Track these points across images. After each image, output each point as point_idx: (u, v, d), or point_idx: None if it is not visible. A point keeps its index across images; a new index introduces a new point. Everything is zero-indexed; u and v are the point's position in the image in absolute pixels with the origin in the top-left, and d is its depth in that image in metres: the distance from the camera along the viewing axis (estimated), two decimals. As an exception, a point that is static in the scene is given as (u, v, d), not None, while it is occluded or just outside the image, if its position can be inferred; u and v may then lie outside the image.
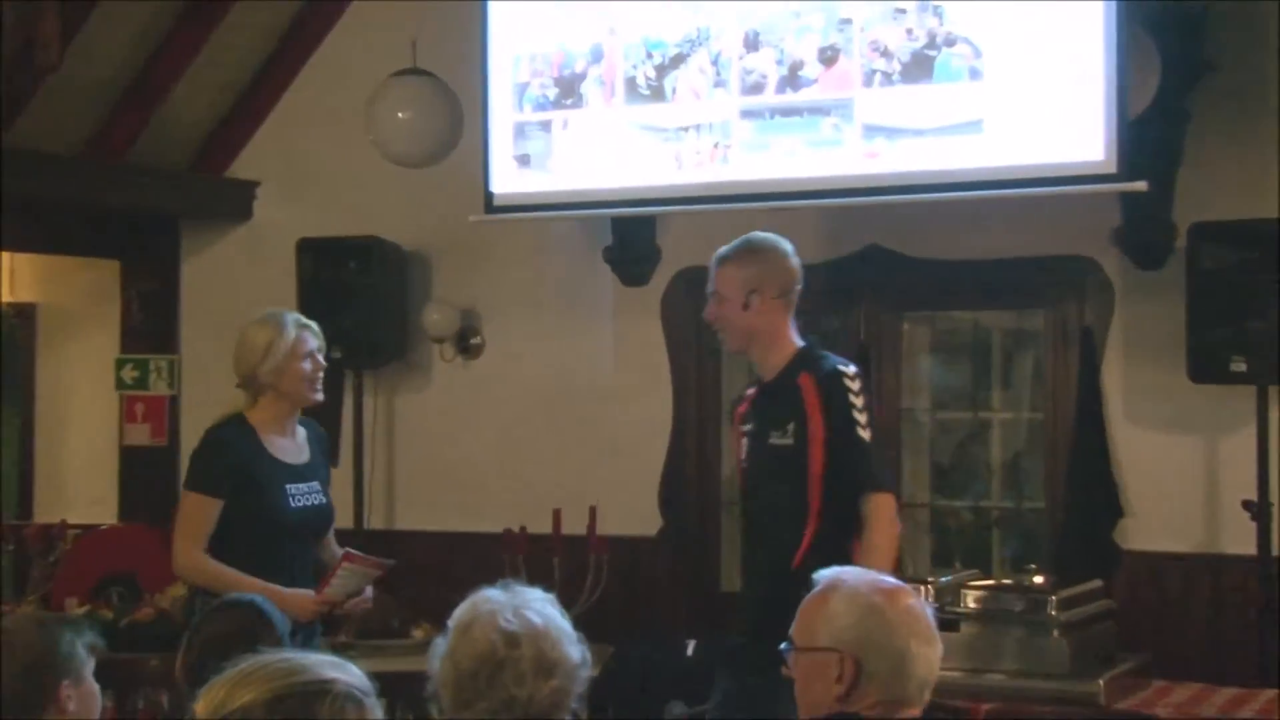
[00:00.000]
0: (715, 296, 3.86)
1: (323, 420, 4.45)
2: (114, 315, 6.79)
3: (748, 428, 3.87)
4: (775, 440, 3.74)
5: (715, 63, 5.18)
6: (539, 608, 2.40)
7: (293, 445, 4.15)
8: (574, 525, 5.55)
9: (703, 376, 5.89)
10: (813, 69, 5.04)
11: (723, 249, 3.89)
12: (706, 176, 5.23)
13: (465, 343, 6.19)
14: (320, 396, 4.17)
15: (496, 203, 5.54)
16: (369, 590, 4.06)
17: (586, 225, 5.91)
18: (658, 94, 5.30)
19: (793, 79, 5.07)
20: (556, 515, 5.58)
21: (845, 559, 3.39)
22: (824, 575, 2.48)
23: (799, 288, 3.88)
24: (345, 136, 6.17)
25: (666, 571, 5.85)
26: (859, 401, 3.69)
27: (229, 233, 6.64)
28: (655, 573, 5.84)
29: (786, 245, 3.90)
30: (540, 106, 5.49)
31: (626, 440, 5.90)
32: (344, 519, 5.72)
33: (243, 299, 6.21)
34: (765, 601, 3.65)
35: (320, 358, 4.17)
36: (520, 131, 5.54)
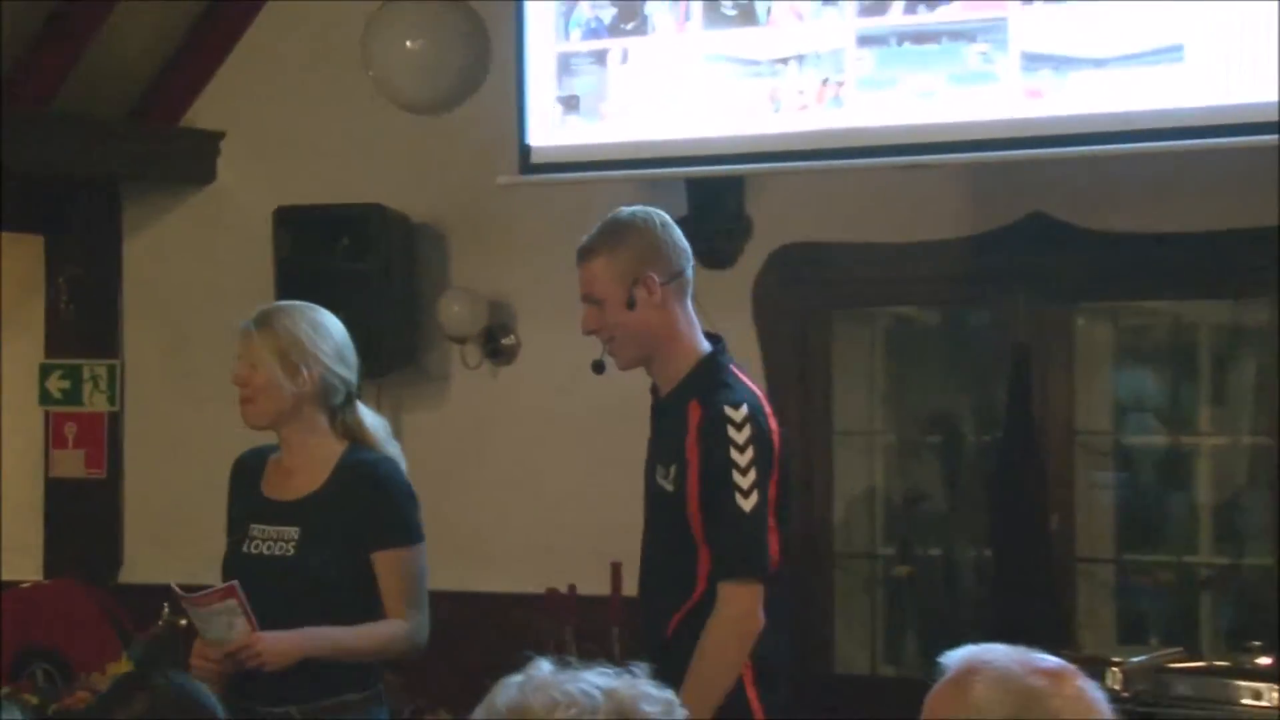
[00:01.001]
0: (589, 303, 3.94)
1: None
2: (36, 308, 6.82)
3: (650, 439, 3.99)
4: (660, 481, 3.84)
5: (824, -29, 5.24)
6: (605, 684, 2.23)
7: (292, 476, 4.09)
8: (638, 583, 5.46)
9: (809, 385, 5.91)
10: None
11: (583, 240, 3.95)
12: (812, 124, 5.27)
13: (494, 344, 6.24)
14: (247, 419, 4.08)
15: (534, 159, 5.61)
16: (239, 626, 3.96)
17: (653, 189, 5.81)
18: (747, 14, 5.34)
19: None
20: (615, 570, 5.59)
21: None
22: (955, 657, 2.42)
23: (691, 267, 3.97)
24: (335, 74, 6.24)
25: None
26: (742, 457, 3.72)
27: (184, 200, 6.66)
28: None
29: (662, 215, 3.97)
30: (592, 33, 5.51)
31: None
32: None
33: (202, 286, 6.21)
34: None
35: (239, 365, 4.06)
36: (565, 65, 5.57)
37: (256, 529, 4.04)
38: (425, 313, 6.21)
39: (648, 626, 3.90)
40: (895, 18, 5.14)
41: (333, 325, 4.13)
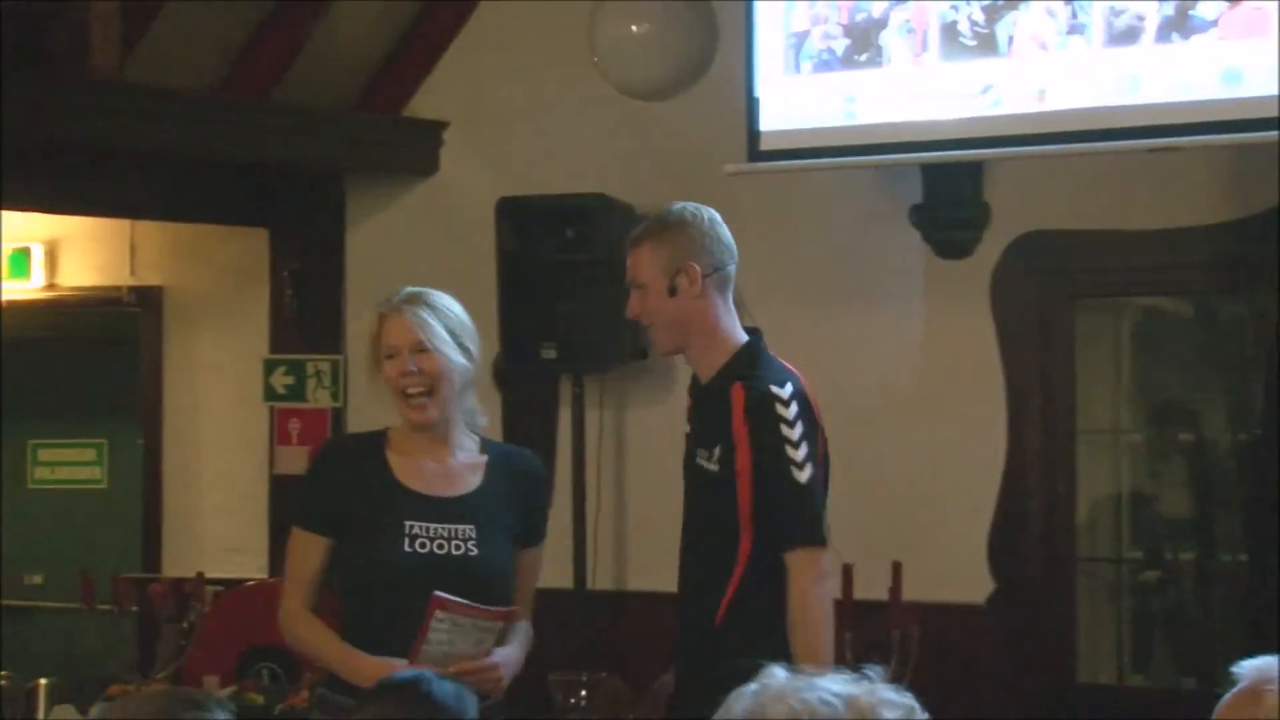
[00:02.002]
0: (635, 288, 4.07)
1: (533, 442, 4.33)
2: (261, 302, 6.87)
3: (688, 432, 4.12)
4: (702, 463, 3.99)
5: (1070, -1, 5.19)
6: (844, 690, 2.19)
7: (442, 469, 3.97)
8: (870, 587, 5.49)
9: (1051, 383, 5.82)
10: (1211, 6, 4.96)
11: (635, 230, 4.15)
12: (1057, 103, 5.22)
13: None
14: (418, 417, 3.92)
15: (764, 146, 5.58)
16: (486, 646, 3.88)
17: (887, 176, 5.85)
18: (987, 43, 5.30)
19: (1181, 21, 4.99)
20: (846, 573, 5.45)
21: (777, 621, 3.81)
22: (1249, 666, 2.39)
23: (734, 264, 4.15)
24: (558, 61, 6.26)
25: (999, 651, 5.83)
26: (793, 432, 3.91)
27: (407, 191, 6.70)
28: (984, 652, 5.83)
29: (712, 212, 4.14)
30: (824, 64, 5.51)
31: (943, 471, 5.89)
32: (559, 576, 5.65)
33: (425, 279, 6.12)
34: (685, 665, 4.04)
35: (408, 359, 3.90)
36: (799, 45, 5.57)
37: (419, 526, 3.89)
38: (650, 306, 6.14)
39: (693, 613, 4.00)
40: (1147, 47, 5.04)
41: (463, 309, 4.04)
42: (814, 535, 3.92)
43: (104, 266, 7.21)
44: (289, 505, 4.08)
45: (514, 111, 6.48)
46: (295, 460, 6.79)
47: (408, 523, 3.88)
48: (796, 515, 3.89)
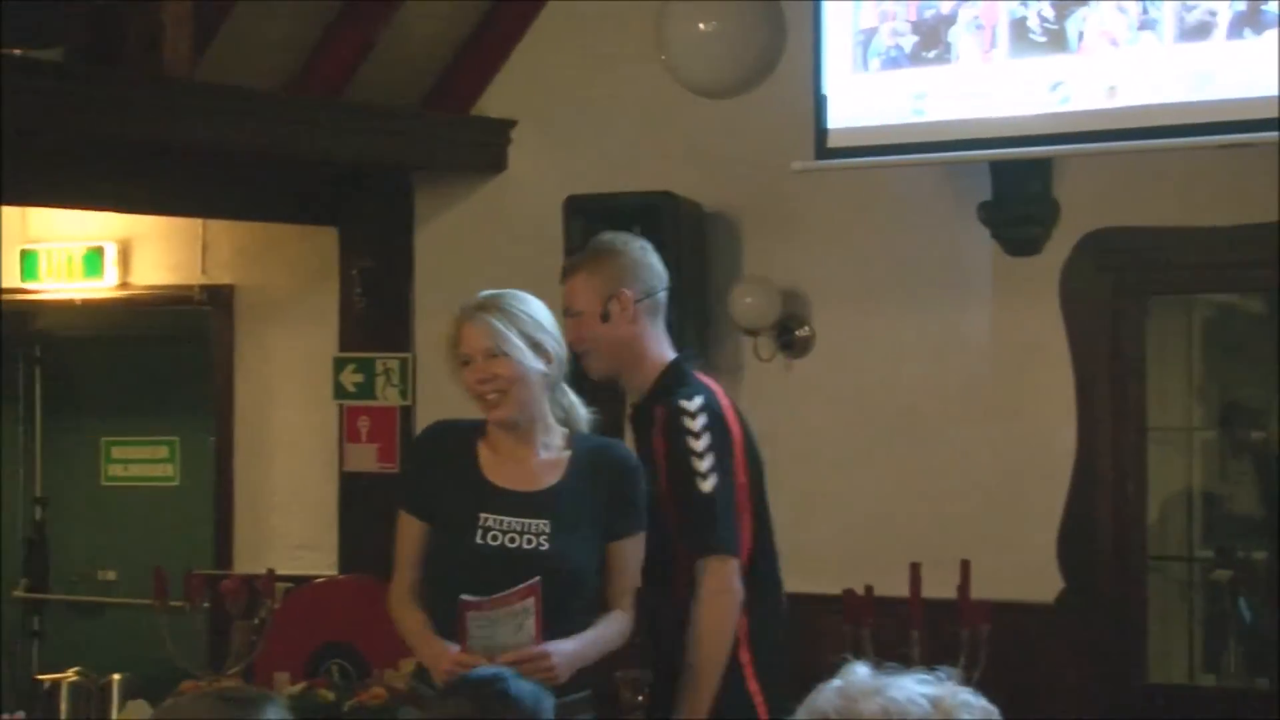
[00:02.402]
0: (570, 315, 4.22)
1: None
2: (331, 300, 6.88)
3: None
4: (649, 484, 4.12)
5: (1141, -7, 5.15)
6: (929, 692, 2.21)
7: (525, 464, 3.98)
8: (938, 585, 5.41)
9: (1120, 382, 5.75)
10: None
11: (568, 260, 4.37)
12: (1127, 99, 5.17)
13: (788, 335, 6.16)
14: (494, 416, 3.96)
15: (832, 144, 5.56)
16: (528, 628, 3.85)
17: (955, 173, 5.80)
18: (1057, 39, 5.27)
19: (1253, 17, 4.96)
20: (914, 571, 5.41)
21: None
22: None
23: (665, 290, 4.27)
24: (625, 60, 6.24)
25: (1069, 650, 5.78)
26: (698, 443, 4.07)
27: (474, 189, 6.68)
28: (1054, 652, 5.78)
29: (643, 241, 4.31)
30: (892, 61, 5.48)
31: (1011, 470, 5.85)
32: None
33: (492, 277, 6.16)
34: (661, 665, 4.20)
35: (482, 365, 3.93)
36: (867, 42, 5.54)
37: (493, 519, 3.91)
38: (717, 304, 6.16)
39: (643, 623, 4.12)
40: (1218, 42, 4.98)
41: (544, 306, 4.06)
42: (718, 543, 4.05)
43: (176, 265, 7.24)
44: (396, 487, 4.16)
45: (582, 109, 6.45)
46: (364, 458, 6.81)
47: (483, 515, 3.90)
48: (701, 523, 4.04)
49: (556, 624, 3.87)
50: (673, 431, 4.07)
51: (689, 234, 6.12)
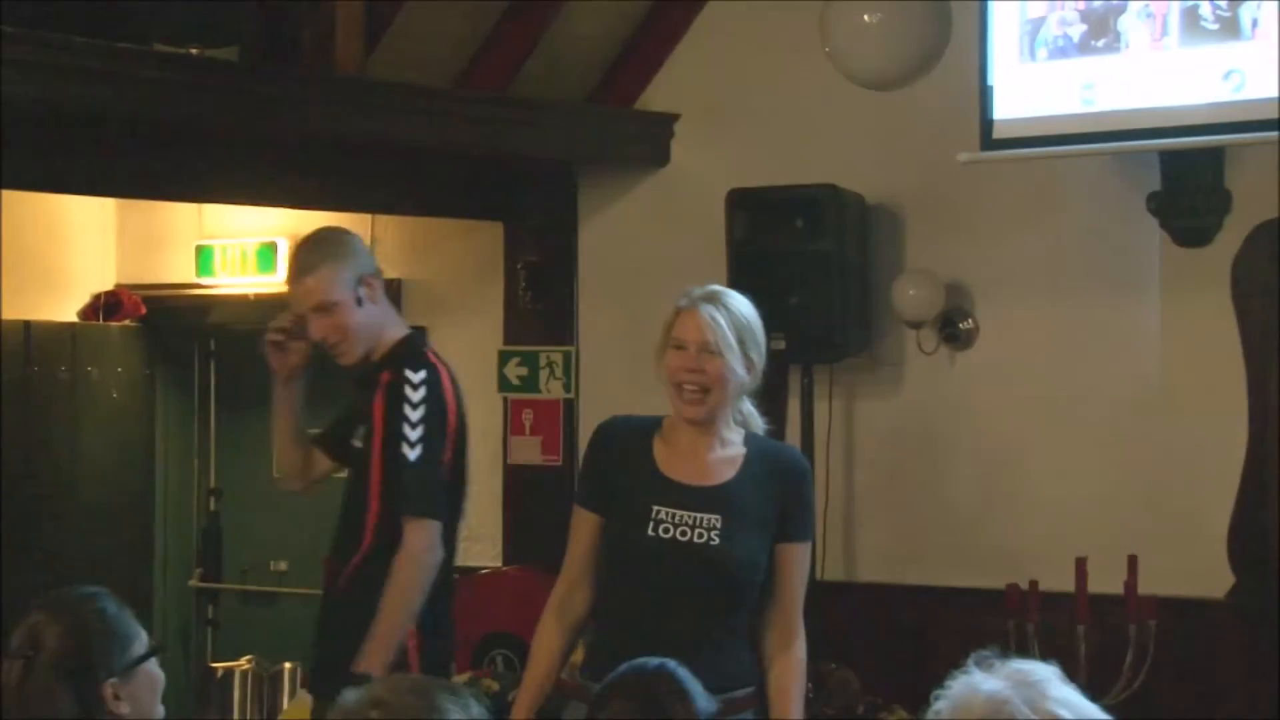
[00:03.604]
0: (319, 311, 4.42)
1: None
2: (496, 295, 6.92)
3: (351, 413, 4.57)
4: (354, 441, 4.48)
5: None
6: (1062, 695, 2.24)
7: (700, 460, 3.95)
8: (1105, 580, 5.43)
9: None
10: None
11: (294, 264, 4.51)
12: None
13: (952, 328, 6.12)
14: (689, 412, 3.91)
15: (998, 135, 5.54)
16: None
17: (1123, 164, 5.75)
18: (1230, 28, 5.20)
19: None
20: (1080, 566, 5.43)
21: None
22: None
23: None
24: (789, 53, 6.22)
25: (1239, 647, 5.69)
26: (415, 414, 4.33)
27: (638, 183, 6.70)
28: (1223, 648, 5.71)
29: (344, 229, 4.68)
30: (1059, 51, 5.43)
31: (1180, 465, 5.78)
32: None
33: (656, 270, 6.22)
34: (318, 623, 4.58)
35: (694, 357, 3.89)
36: (1034, 32, 5.50)
37: (666, 512, 3.89)
38: (880, 296, 6.13)
39: (328, 576, 4.50)
40: None
41: (757, 314, 4.01)
42: (424, 506, 4.33)
43: (349, 260, 7.32)
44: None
45: (745, 102, 6.44)
46: (529, 450, 6.83)
47: (655, 508, 3.89)
48: (409, 487, 4.32)
49: (722, 620, 3.87)
50: (394, 398, 4.34)
51: (852, 226, 6.08)
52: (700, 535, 3.86)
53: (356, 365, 4.48)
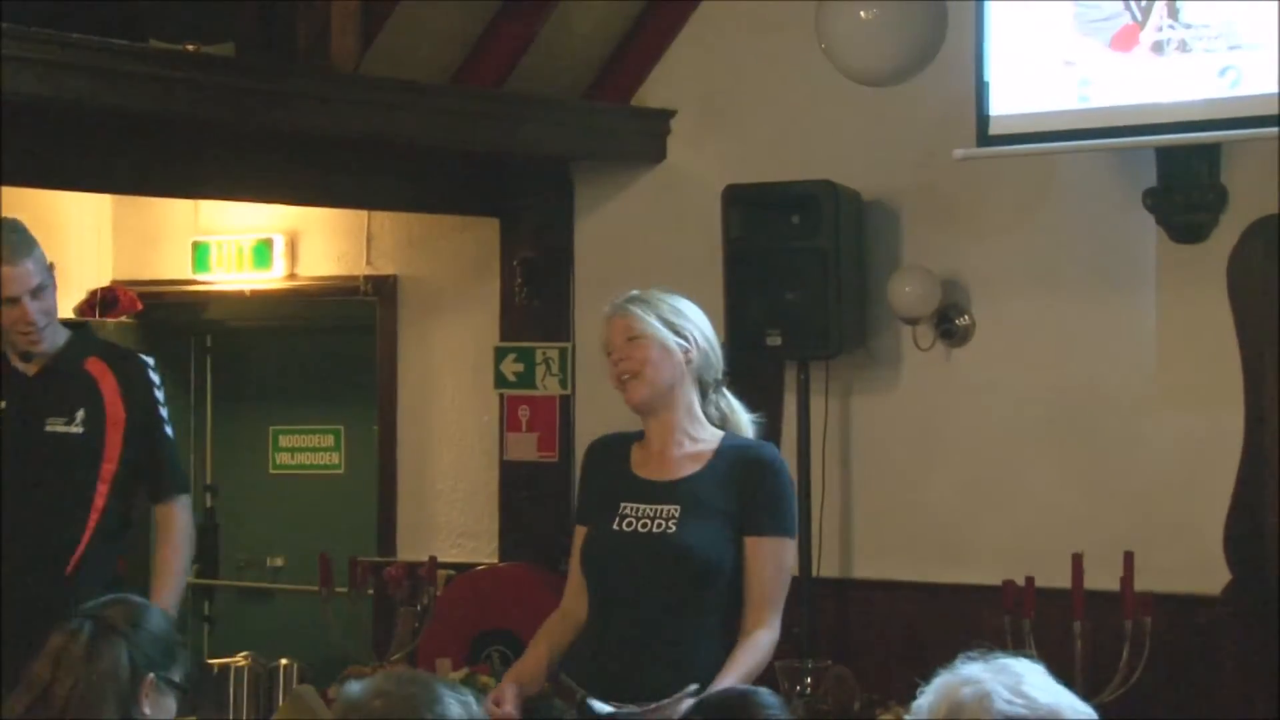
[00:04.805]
0: (31, 297, 4.42)
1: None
2: (492, 291, 6.91)
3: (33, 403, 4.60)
4: (60, 428, 4.50)
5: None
6: (1043, 684, 2.29)
7: (666, 456, 4.00)
8: (1101, 577, 5.40)
9: None
10: None
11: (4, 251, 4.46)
12: None
13: (948, 324, 6.10)
14: (627, 399, 3.97)
15: (994, 131, 5.52)
16: None
17: (1119, 160, 5.72)
18: (1227, 25, 5.19)
19: None
20: (1076, 562, 5.39)
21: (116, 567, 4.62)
22: None
23: None
24: (784, 49, 6.21)
25: (1235, 643, 5.68)
26: (162, 395, 4.62)
27: (634, 180, 6.68)
28: (1220, 645, 5.69)
29: None
30: (1055, 48, 5.41)
31: (1176, 461, 5.76)
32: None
33: (652, 266, 6.21)
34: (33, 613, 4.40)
35: (621, 350, 3.97)
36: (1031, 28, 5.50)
37: (630, 507, 3.94)
38: (875, 292, 6.12)
39: (38, 565, 4.45)
40: None
41: (696, 306, 4.06)
42: (185, 483, 4.79)
43: (342, 256, 7.30)
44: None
45: (741, 99, 6.43)
46: (525, 447, 6.82)
47: (623, 504, 3.95)
48: (171, 467, 4.64)
49: (687, 614, 3.87)
50: (143, 384, 4.54)
51: (848, 222, 6.06)
52: (659, 525, 3.90)
53: (41, 351, 4.50)
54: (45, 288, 4.44)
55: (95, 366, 4.51)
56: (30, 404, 4.49)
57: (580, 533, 4.06)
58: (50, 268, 4.46)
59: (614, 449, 4.07)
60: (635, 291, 4.03)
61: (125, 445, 4.49)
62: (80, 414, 4.46)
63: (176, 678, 3.18)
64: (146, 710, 3.11)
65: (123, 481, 4.52)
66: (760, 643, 3.90)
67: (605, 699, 3.86)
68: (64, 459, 4.47)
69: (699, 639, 3.88)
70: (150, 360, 4.62)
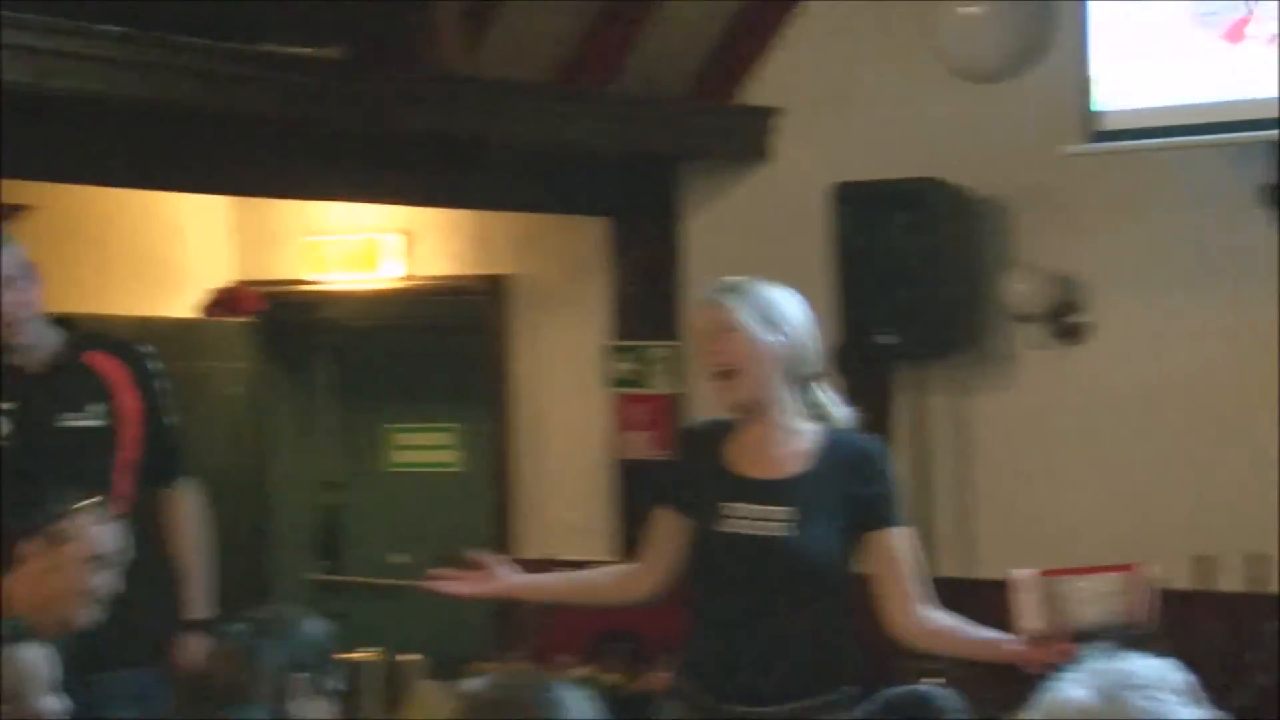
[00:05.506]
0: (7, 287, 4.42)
1: (869, 428, 4.25)
2: (602, 290, 6.93)
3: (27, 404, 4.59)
4: (78, 422, 4.55)
5: None
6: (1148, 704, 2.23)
7: (767, 454, 3.93)
8: (1224, 577, 5.51)
9: None
10: None
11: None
12: None
13: (1063, 323, 6.09)
14: (722, 398, 3.92)
15: (1104, 127, 5.50)
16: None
17: (1236, 154, 5.64)
18: None
19: None
20: (1201, 564, 5.53)
21: None
22: None
23: None
24: (892, 45, 6.23)
25: None
26: (169, 385, 4.69)
27: (740, 178, 6.68)
28: None
29: None
30: (1168, 42, 5.37)
31: None
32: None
33: (759, 265, 6.14)
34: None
35: (713, 342, 3.91)
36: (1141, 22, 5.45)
37: (735, 507, 3.86)
38: (988, 291, 6.09)
39: None
40: None
41: (795, 296, 3.95)
42: (188, 467, 4.76)
43: (456, 256, 7.34)
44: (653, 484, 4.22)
45: (847, 96, 6.41)
46: (637, 445, 6.83)
47: (725, 504, 3.87)
48: (180, 454, 4.69)
49: (799, 614, 3.83)
50: (146, 372, 4.58)
51: (958, 220, 6.05)
52: (770, 528, 3.84)
53: (24, 343, 4.51)
54: (16, 280, 4.41)
55: (97, 359, 4.55)
56: (37, 401, 4.52)
57: (663, 515, 3.98)
58: (29, 265, 4.46)
59: (706, 439, 3.99)
60: (730, 279, 3.95)
61: (140, 433, 4.55)
62: (92, 406, 4.51)
63: (330, 682, 3.38)
64: (296, 709, 3.28)
65: (139, 469, 4.59)
66: (943, 614, 3.89)
67: (743, 705, 3.83)
68: (81, 452, 4.51)
69: (831, 639, 3.86)
70: (150, 348, 4.69)
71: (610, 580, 4.17)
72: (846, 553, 3.87)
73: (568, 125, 6.15)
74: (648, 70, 6.41)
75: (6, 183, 6.06)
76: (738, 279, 3.95)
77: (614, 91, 6.34)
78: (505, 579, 4.10)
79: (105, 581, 4.06)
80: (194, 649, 4.46)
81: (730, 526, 3.85)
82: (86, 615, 4.05)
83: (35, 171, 5.40)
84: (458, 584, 4.11)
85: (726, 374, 3.85)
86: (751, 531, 3.84)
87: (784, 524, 3.83)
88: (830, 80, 6.44)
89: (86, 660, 4.11)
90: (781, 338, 3.85)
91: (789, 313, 3.89)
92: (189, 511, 4.70)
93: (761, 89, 6.59)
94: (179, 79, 5.03)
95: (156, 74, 4.94)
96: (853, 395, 4.14)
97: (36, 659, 3.37)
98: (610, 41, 6.29)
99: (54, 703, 3.36)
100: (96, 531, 4.06)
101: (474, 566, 4.10)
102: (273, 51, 5.60)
